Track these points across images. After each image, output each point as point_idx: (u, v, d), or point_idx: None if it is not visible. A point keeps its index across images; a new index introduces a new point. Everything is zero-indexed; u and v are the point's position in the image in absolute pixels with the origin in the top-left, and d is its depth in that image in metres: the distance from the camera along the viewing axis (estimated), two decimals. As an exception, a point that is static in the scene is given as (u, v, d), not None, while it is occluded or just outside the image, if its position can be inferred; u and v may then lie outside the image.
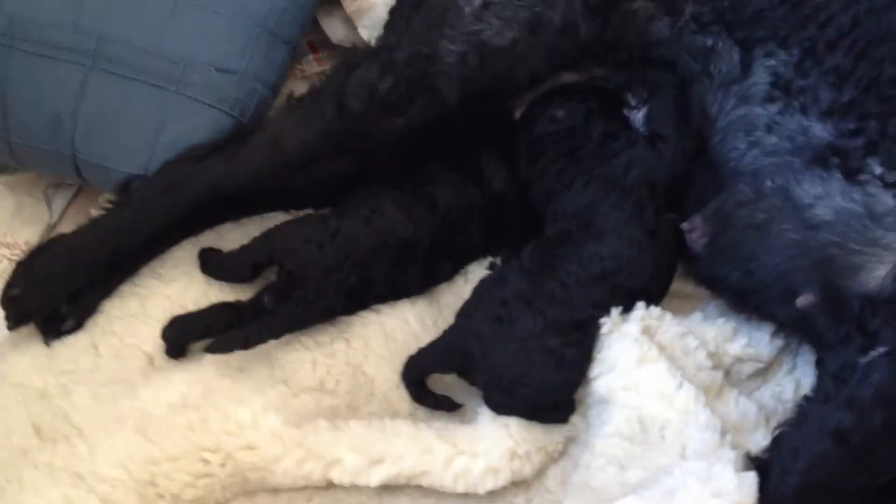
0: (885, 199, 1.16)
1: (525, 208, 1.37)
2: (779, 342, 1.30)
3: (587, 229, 1.26)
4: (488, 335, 1.20)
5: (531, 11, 1.29)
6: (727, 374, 1.26)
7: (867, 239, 1.16)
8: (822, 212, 1.19)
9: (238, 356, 1.23)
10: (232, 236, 1.38)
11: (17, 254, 1.42)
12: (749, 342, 1.27)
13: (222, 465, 1.15)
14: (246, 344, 1.22)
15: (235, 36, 1.37)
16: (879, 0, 1.26)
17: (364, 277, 1.28)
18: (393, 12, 1.40)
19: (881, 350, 1.11)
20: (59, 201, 1.50)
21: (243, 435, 1.16)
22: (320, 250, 1.26)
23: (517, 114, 1.39)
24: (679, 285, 1.35)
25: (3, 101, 1.34)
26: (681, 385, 1.15)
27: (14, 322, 1.24)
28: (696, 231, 1.29)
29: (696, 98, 1.32)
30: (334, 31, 1.61)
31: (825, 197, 1.19)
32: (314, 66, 1.63)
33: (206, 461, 1.15)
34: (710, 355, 1.24)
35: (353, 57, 1.34)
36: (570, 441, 1.22)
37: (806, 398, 1.17)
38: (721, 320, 1.30)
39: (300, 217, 1.35)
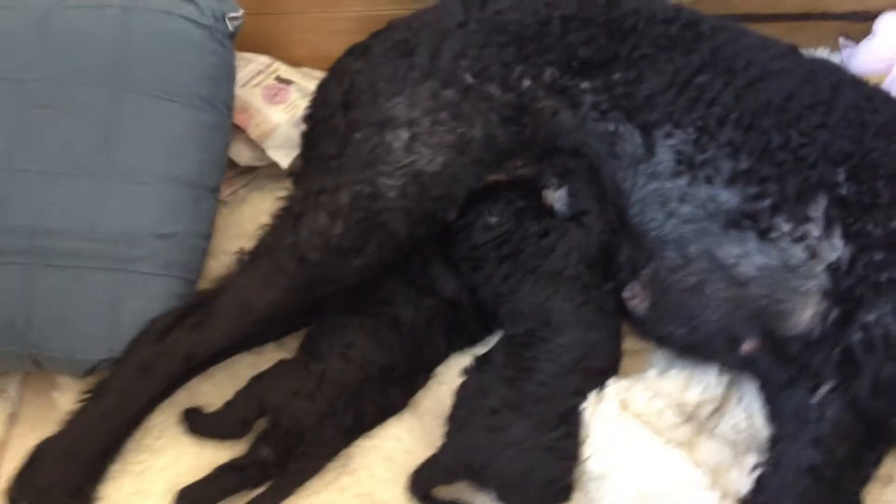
0: (797, 252, 1.32)
1: (478, 306, 1.47)
2: (725, 378, 1.45)
3: (548, 325, 1.38)
4: (487, 445, 1.30)
5: (455, 134, 1.38)
6: (692, 417, 1.40)
7: (789, 288, 1.31)
8: (746, 269, 1.34)
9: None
10: (203, 389, 1.43)
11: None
12: (705, 387, 1.42)
13: None
14: None
15: (165, 200, 1.41)
16: (754, 73, 1.41)
17: (357, 413, 1.35)
18: (317, 156, 1.46)
19: (827, 386, 1.27)
20: (14, 385, 1.48)
21: None
22: (312, 401, 1.33)
23: (451, 216, 1.46)
24: (626, 344, 1.48)
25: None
26: (666, 453, 1.29)
27: None
28: (636, 298, 1.42)
29: (608, 176, 1.44)
30: (241, 155, 1.65)
31: (745, 256, 1.34)
32: (224, 191, 1.66)
33: None
34: (677, 408, 1.37)
35: (295, 205, 1.39)
36: (575, 516, 1.35)
37: (774, 439, 1.32)
38: (673, 371, 1.44)
39: (279, 366, 1.39)
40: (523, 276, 1.42)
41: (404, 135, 1.37)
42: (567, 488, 1.32)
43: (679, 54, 1.43)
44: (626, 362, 1.46)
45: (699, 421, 1.41)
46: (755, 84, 1.40)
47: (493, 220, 1.46)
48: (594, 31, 1.44)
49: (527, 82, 1.42)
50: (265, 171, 1.72)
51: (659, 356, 1.49)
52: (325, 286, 1.36)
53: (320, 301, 1.40)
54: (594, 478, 1.31)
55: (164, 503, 1.30)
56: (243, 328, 1.35)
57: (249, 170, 1.71)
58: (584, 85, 1.43)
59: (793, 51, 1.49)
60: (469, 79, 1.41)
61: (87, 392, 1.34)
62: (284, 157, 1.64)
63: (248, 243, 1.42)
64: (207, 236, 1.46)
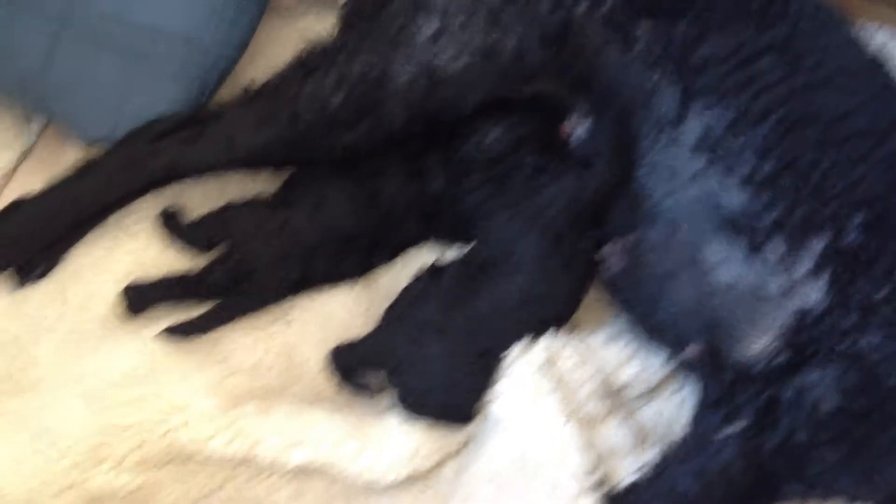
0: (776, 282, 1.24)
1: (457, 212, 1.45)
2: (671, 366, 1.41)
3: (507, 261, 1.36)
4: (402, 352, 1.33)
5: (485, 39, 1.31)
6: (616, 395, 1.39)
7: (753, 315, 1.25)
8: (722, 277, 1.27)
9: (185, 331, 1.38)
10: (192, 193, 1.47)
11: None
12: (642, 368, 1.39)
13: (161, 438, 1.32)
14: (201, 331, 1.38)
15: (204, 5, 1.40)
16: (819, 76, 1.28)
17: (305, 272, 1.39)
18: (353, 9, 1.41)
19: (739, 425, 1.24)
20: (36, 124, 1.54)
21: (180, 414, 1.33)
22: (266, 244, 1.37)
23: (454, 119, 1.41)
24: (595, 293, 1.45)
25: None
26: (565, 424, 1.29)
27: None
28: (613, 257, 1.38)
29: (632, 128, 1.36)
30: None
31: (727, 263, 1.27)
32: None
33: (148, 432, 1.32)
34: (603, 382, 1.36)
35: (311, 59, 1.37)
36: (469, 439, 1.38)
37: (665, 455, 1.30)
38: (622, 342, 1.41)
39: (253, 201, 1.44)
40: (502, 207, 1.39)
41: (435, 24, 1.31)
42: (465, 416, 1.35)
43: (753, 27, 1.30)
44: (586, 311, 1.44)
45: (622, 398, 1.39)
46: (815, 88, 1.28)
47: (491, 138, 1.41)
48: None
49: (583, 6, 1.32)
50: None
51: (622, 321, 1.46)
52: (310, 150, 1.37)
53: (306, 160, 1.41)
54: (491, 419, 1.34)
55: (121, 282, 1.40)
56: (225, 161, 1.38)
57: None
58: (643, 27, 1.32)
59: (877, 65, 1.33)
60: None
61: (77, 165, 1.41)
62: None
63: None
64: (236, 54, 1.46)
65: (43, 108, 1.44)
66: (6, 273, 1.39)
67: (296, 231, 1.38)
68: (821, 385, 1.20)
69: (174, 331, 1.36)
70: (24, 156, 1.54)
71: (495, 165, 1.41)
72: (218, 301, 1.39)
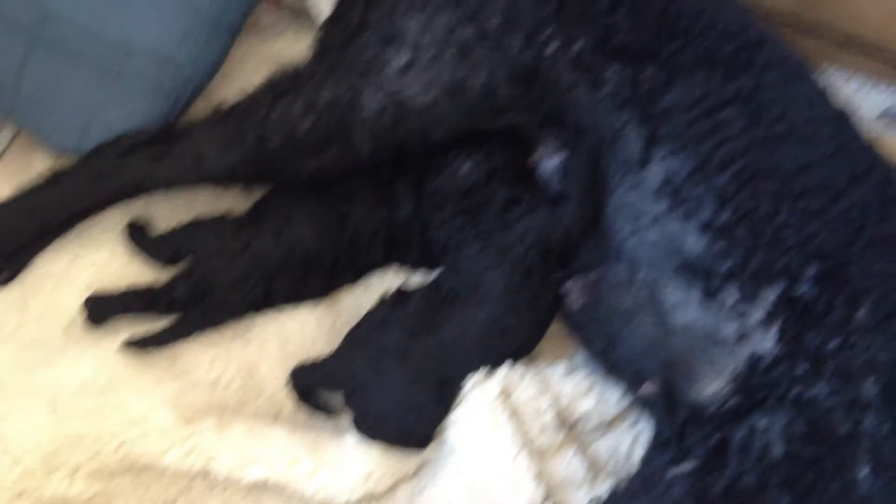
0: (730, 327, 1.26)
1: (425, 240, 1.47)
2: (628, 400, 1.43)
3: (474, 292, 1.37)
4: (362, 376, 1.34)
5: (454, 76, 1.33)
6: (571, 428, 1.41)
7: (707, 357, 1.27)
8: (679, 319, 1.29)
9: (145, 344, 1.39)
10: (160, 207, 1.48)
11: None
12: (599, 400, 1.40)
13: (116, 450, 1.32)
14: (159, 343, 1.38)
15: (178, 24, 1.40)
16: (781, 128, 1.30)
17: (268, 290, 1.40)
18: (328, 36, 1.43)
19: (688, 466, 1.26)
20: (5, 133, 1.55)
21: (137, 427, 1.33)
22: (229, 263, 1.38)
23: (421, 151, 1.42)
24: (555, 326, 1.47)
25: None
26: (518, 455, 1.31)
27: None
28: (573, 294, 1.40)
29: (601, 167, 1.38)
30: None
31: (684, 306, 1.29)
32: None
33: (103, 444, 1.32)
34: (559, 414, 1.38)
35: (281, 83, 1.38)
36: (423, 464, 1.39)
37: (614, 491, 1.32)
38: (581, 374, 1.42)
39: (219, 220, 1.45)
40: (473, 239, 1.40)
41: (404, 58, 1.33)
42: (420, 441, 1.37)
43: (719, 77, 1.32)
44: (545, 344, 1.46)
45: (578, 430, 1.41)
46: (775, 141, 1.30)
47: (464, 170, 1.43)
48: (644, 19, 1.34)
49: (553, 46, 1.34)
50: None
51: (578, 351, 1.48)
52: (277, 173, 1.38)
53: (274, 181, 1.42)
54: (446, 446, 1.35)
55: (83, 293, 1.40)
56: (192, 179, 1.39)
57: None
58: (612, 69, 1.34)
59: (842, 119, 1.36)
60: (495, 22, 1.33)
61: (45, 175, 1.41)
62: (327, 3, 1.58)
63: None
64: (209, 73, 1.46)
65: (13, 117, 1.44)
66: (-32, 279, 1.40)
67: (259, 251, 1.39)
68: (770, 430, 1.22)
69: (134, 343, 1.36)
70: (-6, 158, 1.55)
71: (467, 198, 1.42)
72: (178, 315, 1.40)
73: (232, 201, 1.50)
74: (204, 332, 1.42)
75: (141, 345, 1.37)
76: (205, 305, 1.38)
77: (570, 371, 1.44)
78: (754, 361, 1.25)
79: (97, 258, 1.44)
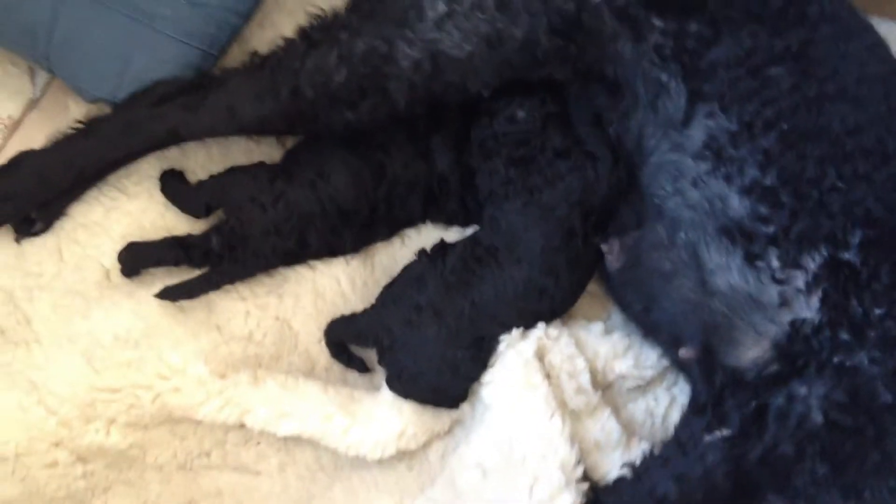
0: (772, 292, 1.24)
1: (464, 193, 1.44)
2: (665, 362, 1.42)
3: (512, 251, 1.35)
4: (397, 333, 1.33)
5: (493, 26, 1.29)
6: (606, 389, 1.40)
7: (748, 322, 1.25)
8: (720, 282, 1.27)
9: (181, 295, 1.38)
10: (195, 155, 1.46)
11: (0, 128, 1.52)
12: (636, 363, 1.39)
13: (152, 402, 1.34)
14: (190, 294, 1.37)
15: (208, -35, 1.38)
16: (831, 88, 1.26)
17: (301, 241, 1.39)
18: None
19: (725, 433, 1.24)
20: (43, 76, 1.54)
21: (173, 379, 1.34)
22: (263, 212, 1.37)
23: (458, 102, 1.38)
24: (594, 286, 1.45)
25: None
26: (552, 416, 1.30)
27: None
28: (612, 254, 1.38)
29: (636, 125, 1.35)
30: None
31: (724, 269, 1.27)
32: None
33: (138, 396, 1.33)
34: (594, 375, 1.37)
35: (314, 32, 1.35)
36: (456, 423, 1.39)
37: (648, 456, 1.30)
38: (617, 335, 1.41)
39: (253, 167, 1.43)
40: (519, 192, 1.38)
41: (441, 8, 1.29)
42: (454, 400, 1.36)
43: (767, 32, 1.27)
44: (585, 304, 1.45)
45: (614, 392, 1.40)
46: (825, 101, 1.25)
47: (521, 114, 1.39)
48: None
49: None
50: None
51: (617, 315, 1.46)
52: (311, 125, 1.35)
53: (308, 133, 1.40)
54: (480, 405, 1.35)
55: (117, 243, 1.39)
56: (225, 129, 1.37)
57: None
58: (657, 22, 1.30)
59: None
60: None
61: (79, 123, 1.39)
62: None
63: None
64: (242, 19, 1.43)
65: (47, 65, 1.42)
66: (4, 228, 1.39)
67: (292, 204, 1.37)
68: (809, 398, 1.20)
69: (166, 293, 1.36)
70: (31, 107, 1.53)
71: (521, 145, 1.39)
72: (212, 267, 1.39)
73: (267, 150, 1.48)
74: (236, 283, 1.41)
75: (173, 295, 1.36)
76: (237, 256, 1.37)
77: (607, 332, 1.43)
78: (796, 328, 1.23)
79: (132, 208, 1.43)
